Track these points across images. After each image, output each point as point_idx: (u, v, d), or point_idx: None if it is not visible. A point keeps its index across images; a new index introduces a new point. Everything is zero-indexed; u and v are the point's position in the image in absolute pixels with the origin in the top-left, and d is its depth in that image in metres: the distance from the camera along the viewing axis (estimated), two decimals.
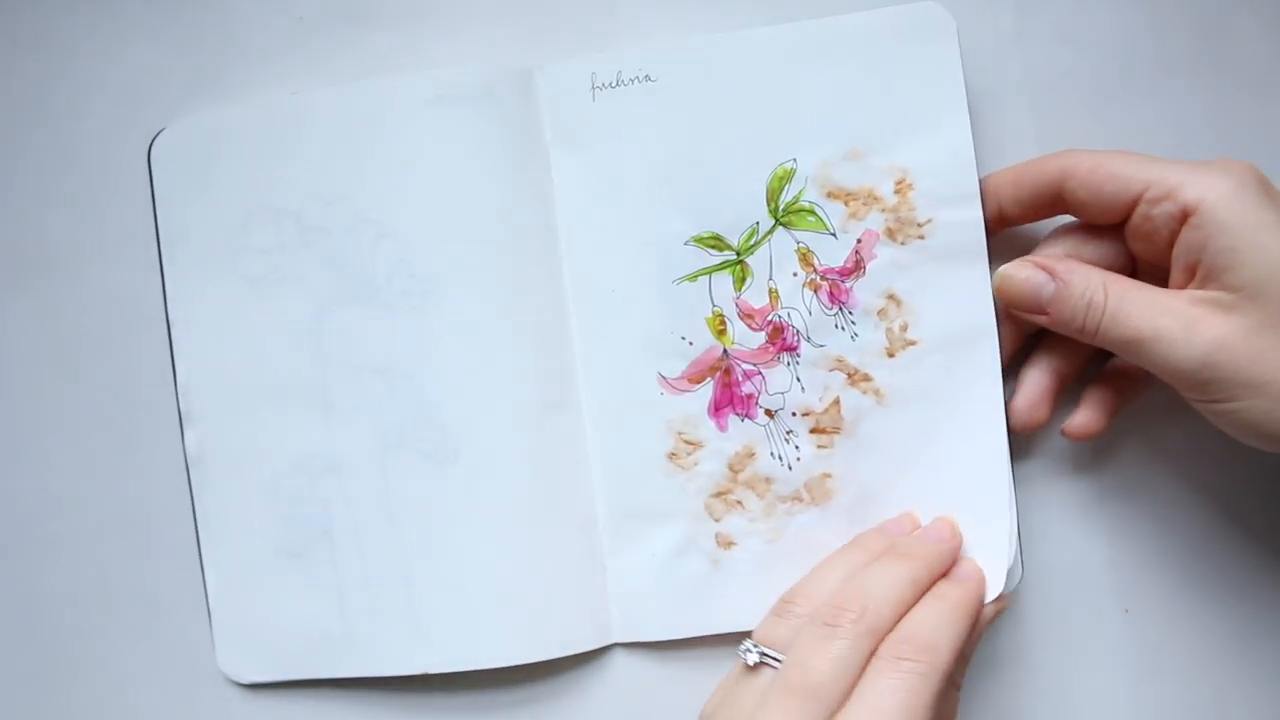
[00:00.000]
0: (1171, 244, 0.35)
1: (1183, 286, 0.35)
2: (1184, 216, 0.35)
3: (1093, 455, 0.42)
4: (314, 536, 0.41)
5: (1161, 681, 0.41)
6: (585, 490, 0.41)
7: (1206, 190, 0.34)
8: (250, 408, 0.41)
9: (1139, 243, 0.37)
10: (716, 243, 0.40)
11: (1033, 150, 0.40)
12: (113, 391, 0.42)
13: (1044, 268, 0.37)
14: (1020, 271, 0.38)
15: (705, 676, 0.39)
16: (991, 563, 0.39)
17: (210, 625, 0.42)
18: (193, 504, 0.42)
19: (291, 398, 0.41)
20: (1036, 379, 0.40)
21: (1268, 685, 0.41)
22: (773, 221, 0.40)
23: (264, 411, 0.41)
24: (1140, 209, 0.36)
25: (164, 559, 0.42)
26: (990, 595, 0.38)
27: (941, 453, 0.40)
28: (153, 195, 0.41)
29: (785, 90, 0.39)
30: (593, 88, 0.40)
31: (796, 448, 0.40)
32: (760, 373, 0.40)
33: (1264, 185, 0.35)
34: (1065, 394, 0.40)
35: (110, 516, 0.42)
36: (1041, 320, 0.38)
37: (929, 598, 0.36)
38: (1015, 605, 0.41)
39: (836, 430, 0.40)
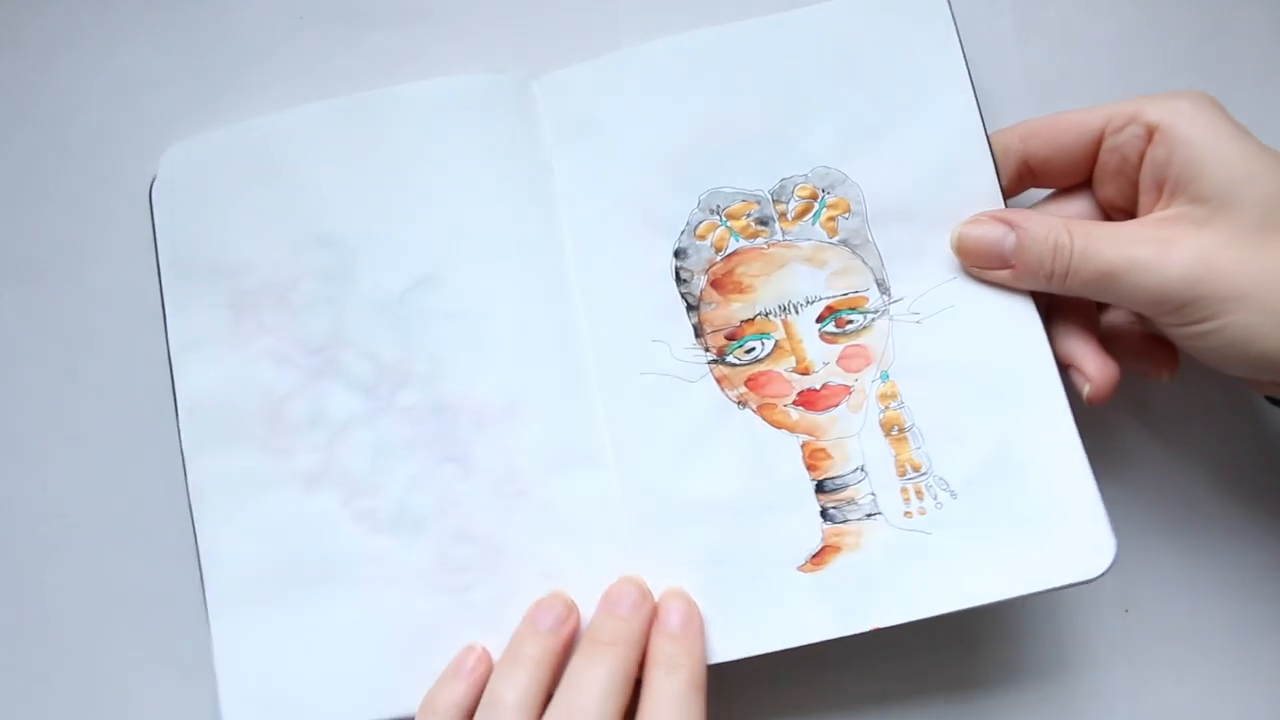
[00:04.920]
0: (1140, 169, 0.36)
1: (1151, 208, 0.35)
2: (1149, 135, 0.35)
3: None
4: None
5: (1161, 681, 0.41)
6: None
7: (1166, 110, 0.35)
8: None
9: (1108, 185, 0.37)
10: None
11: None
12: (113, 392, 0.42)
13: (1002, 220, 0.36)
14: (977, 228, 0.37)
15: None
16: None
17: (211, 633, 0.41)
18: (192, 518, 0.41)
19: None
20: (1077, 341, 0.37)
21: (1267, 685, 0.41)
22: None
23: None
24: (1106, 144, 0.36)
25: (164, 561, 0.42)
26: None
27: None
28: (151, 209, 0.41)
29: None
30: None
31: None
32: None
33: (1219, 106, 0.35)
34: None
35: (110, 518, 0.42)
36: (1005, 276, 0.36)
37: (656, 679, 0.34)
38: (1015, 605, 0.41)
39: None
